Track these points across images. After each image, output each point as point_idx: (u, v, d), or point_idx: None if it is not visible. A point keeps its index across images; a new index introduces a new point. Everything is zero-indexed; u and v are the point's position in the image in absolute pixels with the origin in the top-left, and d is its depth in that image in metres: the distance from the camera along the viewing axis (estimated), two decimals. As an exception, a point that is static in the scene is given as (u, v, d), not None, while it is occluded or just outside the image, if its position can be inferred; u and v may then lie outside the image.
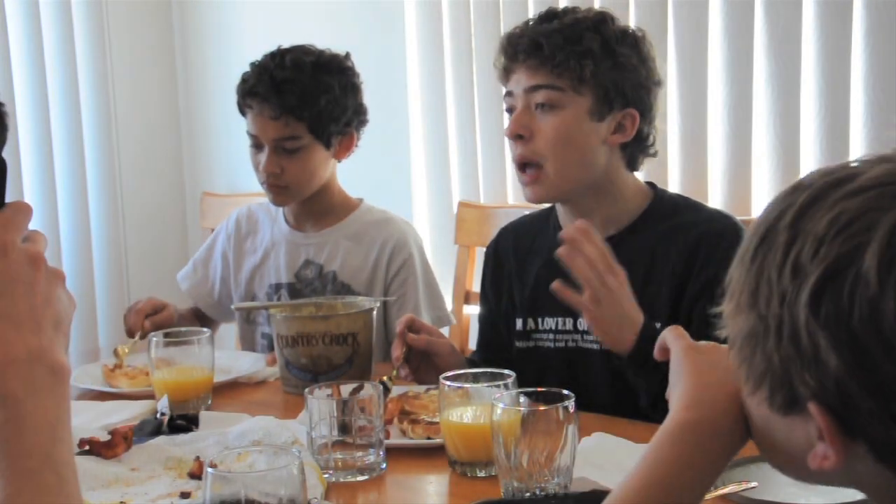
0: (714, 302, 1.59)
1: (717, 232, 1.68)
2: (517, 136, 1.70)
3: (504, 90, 1.76)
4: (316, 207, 2.19)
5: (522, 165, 1.73)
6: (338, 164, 2.19)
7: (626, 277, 1.55)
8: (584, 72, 1.65)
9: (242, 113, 2.13)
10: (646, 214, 1.75)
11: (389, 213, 2.25)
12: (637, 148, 1.73)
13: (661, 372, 1.52)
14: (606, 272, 1.52)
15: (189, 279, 2.35)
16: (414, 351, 1.76)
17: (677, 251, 1.68)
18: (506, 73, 1.74)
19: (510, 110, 1.73)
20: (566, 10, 1.73)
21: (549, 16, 1.72)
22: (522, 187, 1.76)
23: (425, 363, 1.77)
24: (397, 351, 1.74)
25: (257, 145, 2.11)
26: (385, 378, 1.69)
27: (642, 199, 1.76)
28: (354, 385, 1.45)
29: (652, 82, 1.72)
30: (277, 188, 2.11)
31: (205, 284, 2.32)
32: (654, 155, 1.78)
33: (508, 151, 2.67)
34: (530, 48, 1.68)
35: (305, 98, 2.04)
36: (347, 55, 2.15)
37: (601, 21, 1.69)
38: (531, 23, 1.73)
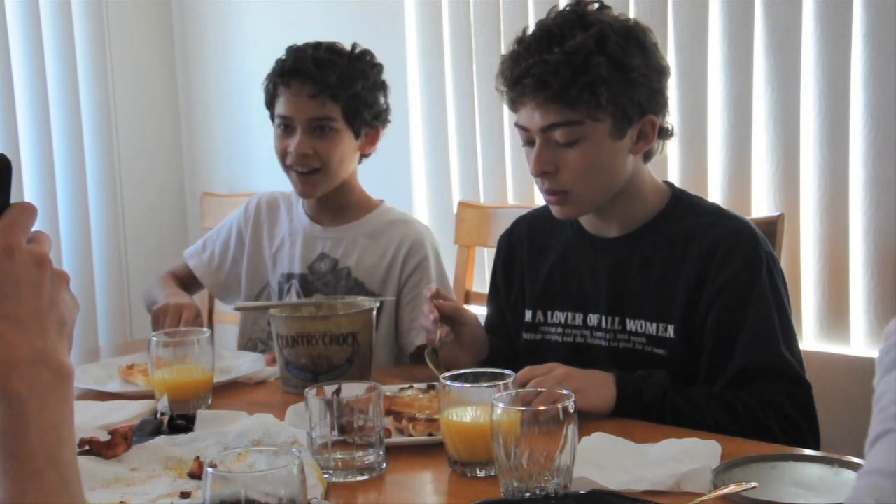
0: (729, 306, 1.62)
1: (733, 237, 1.67)
2: (543, 173, 1.68)
3: (516, 120, 1.71)
4: (336, 203, 2.20)
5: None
6: (359, 163, 2.20)
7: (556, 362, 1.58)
8: (600, 100, 1.60)
9: (272, 99, 2.13)
10: (663, 213, 1.74)
11: (409, 215, 2.27)
12: (655, 142, 1.73)
13: (646, 412, 1.55)
14: (547, 379, 1.51)
15: (197, 256, 2.36)
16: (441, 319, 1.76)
17: (693, 254, 1.67)
18: (514, 105, 1.69)
19: (529, 143, 1.69)
20: (563, 31, 1.63)
21: (547, 41, 1.63)
22: (549, 205, 1.75)
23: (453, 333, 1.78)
24: (433, 314, 1.73)
25: (287, 127, 2.11)
26: (431, 348, 1.71)
27: (660, 198, 1.76)
28: (355, 385, 1.45)
29: (664, 79, 1.69)
30: (306, 175, 2.11)
31: (212, 263, 2.33)
32: (670, 137, 1.77)
33: (508, 151, 2.69)
34: (537, 86, 1.61)
35: (343, 80, 2.07)
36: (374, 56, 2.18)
37: (603, 37, 1.61)
38: (527, 48, 1.64)
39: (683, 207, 1.75)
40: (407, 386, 1.73)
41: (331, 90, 2.06)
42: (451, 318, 1.77)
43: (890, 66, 2.05)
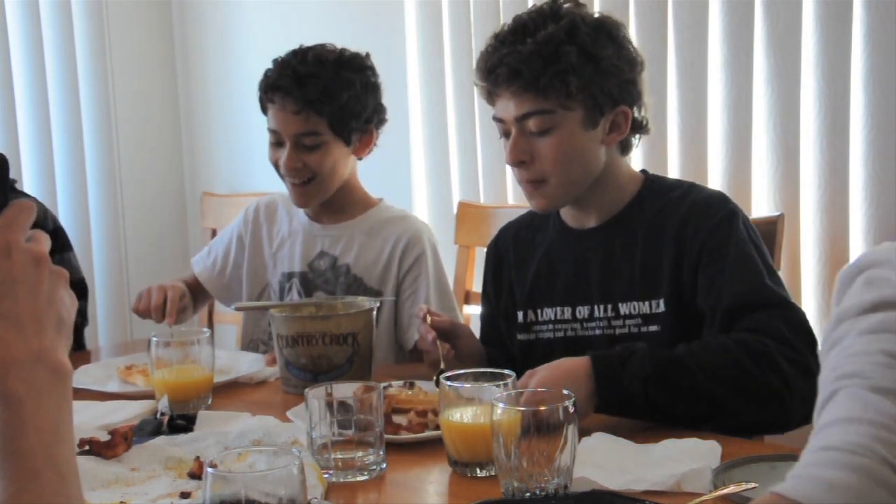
0: (712, 262, 1.63)
1: (704, 201, 1.71)
2: (519, 163, 1.71)
3: (493, 113, 1.74)
4: (335, 203, 2.20)
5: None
6: (358, 161, 2.20)
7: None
8: (570, 88, 1.64)
9: (264, 109, 2.14)
10: (638, 197, 1.77)
11: (407, 212, 2.27)
12: (631, 135, 1.76)
13: (630, 402, 1.52)
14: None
15: (202, 262, 2.36)
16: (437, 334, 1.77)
17: (670, 227, 1.71)
18: (490, 97, 1.73)
19: (506, 134, 1.72)
20: (536, 23, 1.68)
21: (520, 33, 1.67)
22: (527, 198, 1.77)
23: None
24: (431, 335, 1.74)
25: (278, 142, 2.11)
26: (438, 371, 1.69)
27: (635, 184, 1.79)
28: (354, 385, 1.45)
29: (636, 71, 1.72)
30: (300, 186, 2.11)
31: (215, 267, 2.33)
32: (648, 132, 1.79)
33: (508, 151, 2.69)
34: (510, 75, 1.65)
35: (327, 93, 2.05)
36: (367, 55, 2.16)
37: (573, 28, 1.65)
38: (502, 41, 1.68)
39: (657, 189, 1.78)
40: (386, 384, 1.70)
41: (314, 106, 2.04)
42: (447, 334, 1.78)
43: (890, 66, 2.05)
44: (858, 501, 0.76)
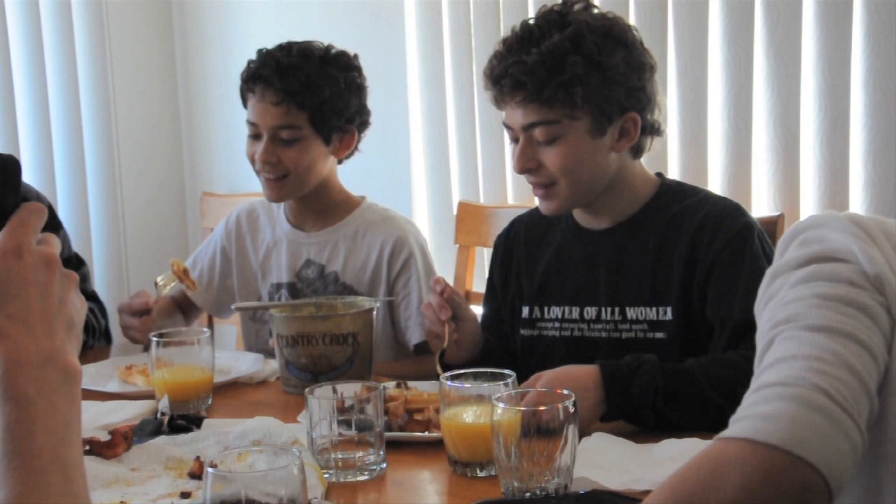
0: (724, 273, 1.63)
1: (720, 212, 1.70)
2: (527, 170, 1.71)
3: (503, 119, 1.74)
4: (316, 206, 2.17)
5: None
6: (338, 163, 2.17)
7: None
8: (575, 99, 1.63)
9: (244, 100, 2.11)
10: (652, 202, 1.77)
11: (391, 212, 2.22)
12: (643, 138, 1.74)
13: (638, 411, 1.52)
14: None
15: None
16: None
17: (684, 235, 1.70)
18: (498, 104, 1.73)
19: (515, 140, 1.72)
20: (542, 31, 1.66)
21: (526, 42, 1.66)
22: (538, 200, 1.77)
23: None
24: (446, 314, 1.72)
25: (255, 135, 2.09)
26: (445, 346, 1.71)
27: (649, 188, 1.78)
28: (355, 385, 1.45)
29: (645, 77, 1.69)
30: (274, 181, 2.08)
31: (201, 281, 2.30)
32: (661, 134, 1.77)
33: (508, 151, 2.69)
34: (514, 86, 1.65)
35: (309, 86, 2.02)
36: (356, 56, 2.14)
37: (579, 37, 1.63)
38: (509, 49, 1.67)
39: (672, 194, 1.77)
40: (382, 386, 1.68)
41: (294, 98, 2.01)
42: (455, 314, 1.76)
43: (890, 66, 2.05)
44: (795, 427, 0.82)
